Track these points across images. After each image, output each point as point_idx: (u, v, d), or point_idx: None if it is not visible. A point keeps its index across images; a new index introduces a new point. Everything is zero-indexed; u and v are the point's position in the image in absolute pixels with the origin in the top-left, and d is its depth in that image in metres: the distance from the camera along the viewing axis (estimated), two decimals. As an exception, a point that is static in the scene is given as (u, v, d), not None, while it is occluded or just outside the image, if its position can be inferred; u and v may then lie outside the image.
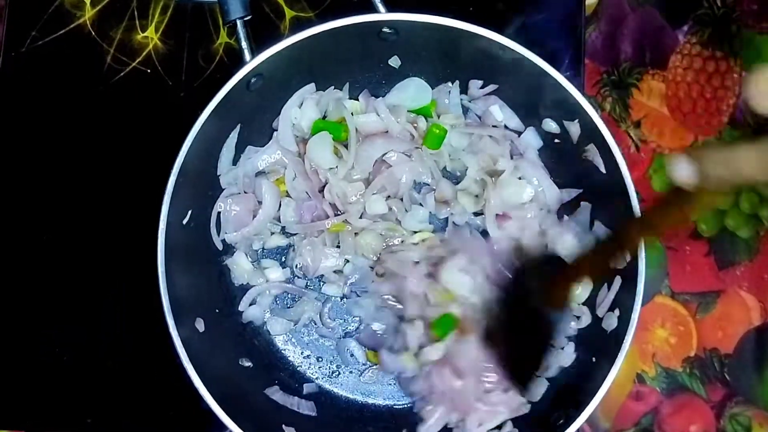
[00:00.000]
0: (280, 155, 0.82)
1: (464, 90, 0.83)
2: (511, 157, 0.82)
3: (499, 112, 0.82)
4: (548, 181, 0.81)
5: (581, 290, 0.79)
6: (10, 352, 0.84)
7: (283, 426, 0.78)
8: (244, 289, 0.82)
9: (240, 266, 0.82)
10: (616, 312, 0.75)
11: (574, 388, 0.76)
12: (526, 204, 0.81)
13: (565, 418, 0.73)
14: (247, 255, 0.82)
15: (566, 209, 0.82)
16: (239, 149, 0.80)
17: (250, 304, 0.82)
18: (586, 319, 0.79)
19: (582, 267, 0.68)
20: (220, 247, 0.81)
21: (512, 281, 0.76)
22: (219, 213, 0.80)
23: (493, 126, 0.82)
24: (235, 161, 0.81)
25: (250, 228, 0.80)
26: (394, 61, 0.81)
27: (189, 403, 0.71)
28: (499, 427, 0.78)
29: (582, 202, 0.80)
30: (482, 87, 0.81)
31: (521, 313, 0.72)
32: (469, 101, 0.83)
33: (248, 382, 0.80)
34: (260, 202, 0.81)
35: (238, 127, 0.79)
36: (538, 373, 0.76)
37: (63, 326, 0.84)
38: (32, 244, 0.85)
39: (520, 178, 0.81)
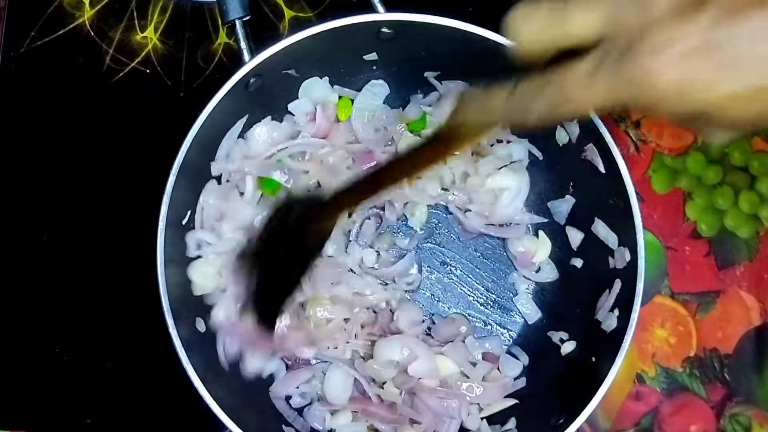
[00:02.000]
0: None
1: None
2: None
3: None
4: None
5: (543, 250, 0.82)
6: (10, 352, 0.84)
7: (283, 426, 0.78)
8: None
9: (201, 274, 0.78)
10: (616, 312, 0.75)
11: (574, 388, 0.76)
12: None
13: (565, 418, 0.73)
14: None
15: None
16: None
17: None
18: (549, 273, 0.81)
19: (339, 200, 0.65)
20: (193, 248, 0.78)
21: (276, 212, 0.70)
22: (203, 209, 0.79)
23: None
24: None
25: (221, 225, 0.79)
26: (372, 56, 0.81)
27: (189, 403, 0.71)
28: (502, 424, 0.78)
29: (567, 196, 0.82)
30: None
31: (280, 246, 0.68)
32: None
33: (249, 382, 0.80)
34: (242, 194, 0.81)
35: (246, 117, 0.79)
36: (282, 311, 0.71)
37: (63, 326, 0.84)
38: (32, 244, 0.85)
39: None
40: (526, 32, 0.47)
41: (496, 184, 0.82)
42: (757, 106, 0.43)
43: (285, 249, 0.68)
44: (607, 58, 0.44)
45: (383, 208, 0.83)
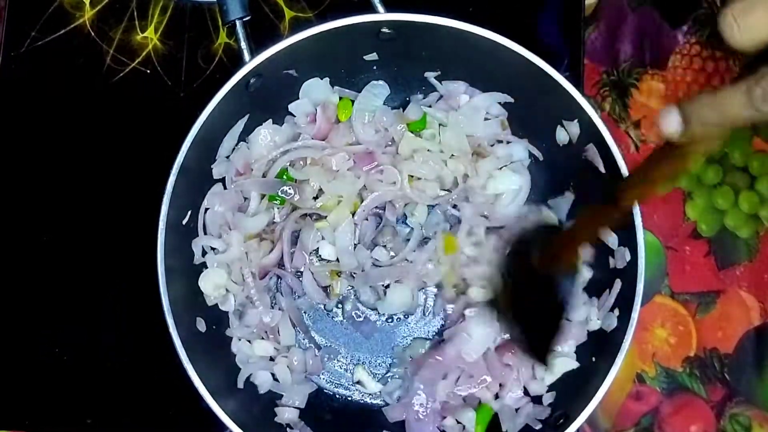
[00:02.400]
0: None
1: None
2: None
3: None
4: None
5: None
6: (10, 352, 0.84)
7: (285, 426, 0.78)
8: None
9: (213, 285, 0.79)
10: (616, 312, 0.75)
11: (574, 388, 0.76)
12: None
13: (565, 418, 0.73)
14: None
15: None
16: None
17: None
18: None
19: (581, 229, 0.66)
20: (198, 253, 0.78)
21: (515, 254, 0.73)
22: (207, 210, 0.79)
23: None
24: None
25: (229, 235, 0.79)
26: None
27: (189, 403, 0.71)
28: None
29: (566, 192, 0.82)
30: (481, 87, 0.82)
31: (530, 285, 0.70)
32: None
33: (249, 382, 0.80)
34: (246, 199, 0.81)
35: (246, 116, 0.79)
36: (555, 344, 0.73)
37: (63, 326, 0.84)
38: (32, 244, 0.85)
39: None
40: (753, 21, 0.44)
41: (496, 185, 0.82)
42: None
43: (534, 289, 0.69)
44: None
45: (384, 208, 0.83)
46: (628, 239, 0.74)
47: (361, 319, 0.82)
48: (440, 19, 0.73)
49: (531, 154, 0.83)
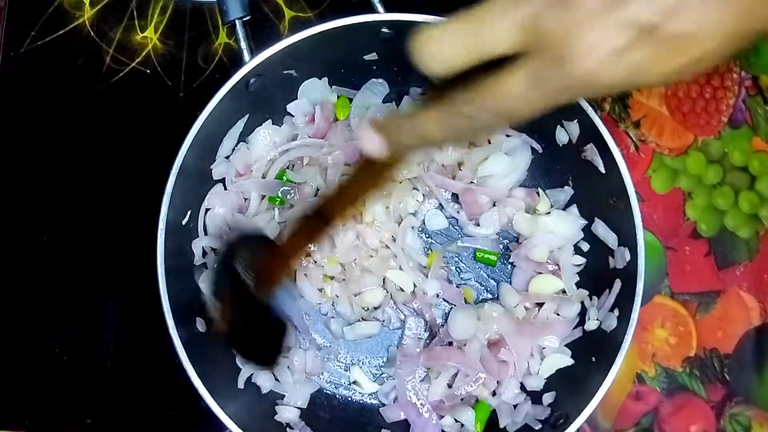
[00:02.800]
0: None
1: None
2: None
3: None
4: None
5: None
6: (10, 352, 0.84)
7: (285, 426, 0.78)
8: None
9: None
10: (616, 312, 0.75)
11: (574, 388, 0.76)
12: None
13: (565, 418, 0.73)
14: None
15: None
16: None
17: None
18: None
19: (291, 243, 0.66)
20: (198, 254, 0.78)
21: (225, 271, 0.70)
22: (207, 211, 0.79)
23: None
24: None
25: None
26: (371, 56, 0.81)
27: (189, 403, 0.71)
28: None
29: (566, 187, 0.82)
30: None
31: (246, 305, 0.69)
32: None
33: (249, 382, 0.80)
34: (246, 200, 0.81)
35: (246, 116, 0.78)
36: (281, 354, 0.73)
37: (63, 326, 0.84)
38: (32, 244, 0.85)
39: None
40: (440, 54, 0.44)
41: (488, 167, 0.82)
42: (699, 68, 0.42)
43: (255, 310, 0.68)
44: (542, 67, 0.42)
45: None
46: (628, 239, 0.74)
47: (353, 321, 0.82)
48: (440, 19, 0.73)
49: (532, 149, 0.83)
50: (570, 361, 0.78)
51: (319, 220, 0.62)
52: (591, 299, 0.79)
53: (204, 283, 0.77)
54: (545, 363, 0.79)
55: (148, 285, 0.70)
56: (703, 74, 0.89)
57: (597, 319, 0.77)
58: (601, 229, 0.78)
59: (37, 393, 0.83)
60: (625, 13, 0.40)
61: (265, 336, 0.71)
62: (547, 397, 0.78)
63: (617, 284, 0.75)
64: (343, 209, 0.62)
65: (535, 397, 0.79)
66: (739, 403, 0.85)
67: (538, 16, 0.41)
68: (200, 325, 0.76)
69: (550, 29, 0.41)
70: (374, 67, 0.82)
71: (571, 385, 0.77)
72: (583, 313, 0.79)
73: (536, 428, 0.76)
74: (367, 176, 0.56)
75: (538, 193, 0.82)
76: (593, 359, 0.76)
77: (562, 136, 0.79)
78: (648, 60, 0.41)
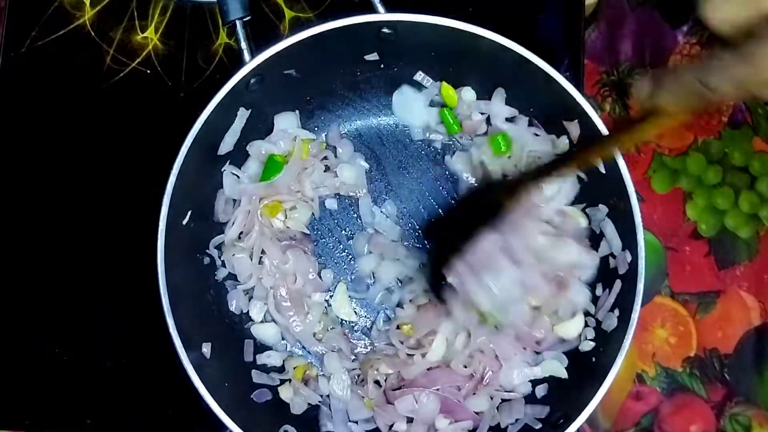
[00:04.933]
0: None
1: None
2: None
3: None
4: None
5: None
6: (11, 352, 0.84)
7: (284, 426, 0.78)
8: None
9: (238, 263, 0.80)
10: (616, 312, 0.75)
11: (574, 388, 0.76)
12: None
13: (565, 418, 0.73)
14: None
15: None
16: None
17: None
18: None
19: (545, 170, 0.70)
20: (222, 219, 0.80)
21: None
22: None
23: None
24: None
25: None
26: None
27: (189, 403, 0.71)
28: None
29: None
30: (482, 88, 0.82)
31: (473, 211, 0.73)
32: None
33: (249, 382, 0.80)
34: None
35: (249, 112, 0.78)
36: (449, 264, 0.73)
37: (63, 326, 0.84)
38: (32, 244, 0.85)
39: None
40: (722, 13, 0.47)
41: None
42: None
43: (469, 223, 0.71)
44: None
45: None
46: (628, 239, 0.74)
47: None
48: (440, 19, 0.73)
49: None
50: (564, 374, 0.78)
51: (580, 154, 0.69)
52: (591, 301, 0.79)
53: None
54: (540, 367, 0.79)
55: (148, 285, 0.70)
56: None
57: (591, 339, 0.77)
58: (609, 229, 0.77)
59: (36, 393, 0.83)
60: None
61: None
62: (540, 390, 0.79)
63: (617, 284, 0.75)
64: (607, 149, 0.68)
65: (534, 397, 0.79)
66: (739, 403, 0.85)
67: None
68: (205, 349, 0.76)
69: None
70: (375, 67, 0.82)
71: (571, 385, 0.77)
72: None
73: (536, 428, 0.76)
74: (638, 123, 0.57)
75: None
76: (593, 359, 0.76)
77: (561, 145, 0.79)
78: None
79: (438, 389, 0.78)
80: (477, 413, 0.78)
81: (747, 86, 0.47)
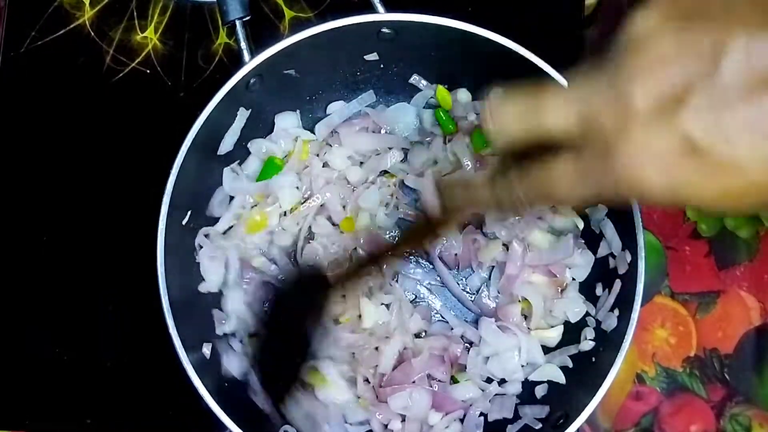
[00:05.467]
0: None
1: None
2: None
3: None
4: None
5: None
6: (10, 352, 0.84)
7: (284, 426, 0.78)
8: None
9: None
10: (616, 312, 0.75)
11: (574, 388, 0.76)
12: None
13: (565, 418, 0.73)
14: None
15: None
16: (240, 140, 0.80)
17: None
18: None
19: (342, 277, 0.72)
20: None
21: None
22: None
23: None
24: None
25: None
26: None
27: (189, 403, 0.71)
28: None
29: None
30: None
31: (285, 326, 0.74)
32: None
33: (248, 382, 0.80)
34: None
35: (249, 112, 0.78)
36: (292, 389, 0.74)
37: (63, 326, 0.84)
38: (32, 244, 0.85)
39: None
40: (502, 118, 0.46)
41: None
42: (749, 201, 0.40)
43: (288, 328, 0.73)
44: (589, 159, 0.42)
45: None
46: (628, 239, 0.74)
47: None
48: (440, 19, 0.73)
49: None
50: (562, 379, 0.78)
51: (370, 260, 0.72)
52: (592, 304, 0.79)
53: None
54: (536, 372, 0.79)
55: (148, 285, 0.70)
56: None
57: (592, 340, 0.77)
58: (608, 229, 0.77)
59: (37, 392, 0.83)
60: (678, 123, 0.39)
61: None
62: (540, 390, 0.79)
63: (617, 284, 0.75)
64: (397, 255, 0.72)
65: (533, 395, 0.79)
66: (740, 403, 0.85)
67: (594, 108, 0.41)
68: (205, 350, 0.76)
69: (603, 122, 0.41)
70: (374, 67, 0.82)
71: (570, 385, 0.77)
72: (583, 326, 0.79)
73: (536, 428, 0.76)
74: (423, 230, 0.64)
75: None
76: (593, 359, 0.76)
77: None
78: (692, 176, 0.39)
79: (430, 385, 0.78)
80: (464, 401, 0.78)
81: (540, 204, 0.48)
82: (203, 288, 0.78)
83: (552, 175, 0.44)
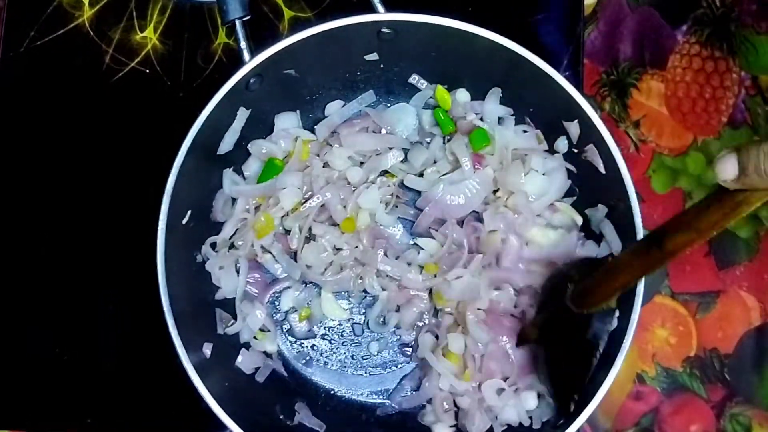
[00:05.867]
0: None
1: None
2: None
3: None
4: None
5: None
6: (11, 352, 0.84)
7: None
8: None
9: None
10: (616, 312, 0.75)
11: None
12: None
13: (565, 418, 0.73)
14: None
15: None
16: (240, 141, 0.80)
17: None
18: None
19: (621, 270, 0.64)
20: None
21: (551, 287, 0.74)
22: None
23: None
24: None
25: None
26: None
27: (189, 403, 0.71)
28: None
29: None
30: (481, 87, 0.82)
31: (562, 323, 0.70)
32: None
33: (248, 381, 0.80)
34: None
35: (249, 111, 0.78)
36: (579, 391, 0.71)
37: (63, 326, 0.84)
38: (31, 244, 0.85)
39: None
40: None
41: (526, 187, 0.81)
42: None
43: (569, 327, 0.69)
44: None
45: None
46: (628, 239, 0.73)
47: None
48: (440, 19, 0.73)
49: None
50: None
51: (656, 249, 0.58)
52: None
53: None
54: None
55: (148, 285, 0.70)
56: (703, 74, 0.89)
57: None
58: (608, 230, 0.77)
59: (37, 393, 0.83)
60: None
61: (571, 363, 0.71)
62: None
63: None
64: (686, 242, 0.55)
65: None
66: (740, 403, 0.85)
67: None
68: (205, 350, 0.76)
69: None
70: (374, 67, 0.82)
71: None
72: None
73: (536, 428, 0.76)
74: (717, 208, 0.51)
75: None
76: (593, 359, 0.76)
77: (561, 147, 0.79)
78: None
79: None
80: None
81: None
82: (219, 296, 0.79)
83: None
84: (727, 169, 0.46)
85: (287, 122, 0.82)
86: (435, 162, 0.83)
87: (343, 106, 0.84)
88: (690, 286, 0.86)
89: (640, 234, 0.72)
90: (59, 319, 0.84)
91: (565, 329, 0.70)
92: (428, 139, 0.84)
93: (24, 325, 0.84)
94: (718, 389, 0.85)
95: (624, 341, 0.71)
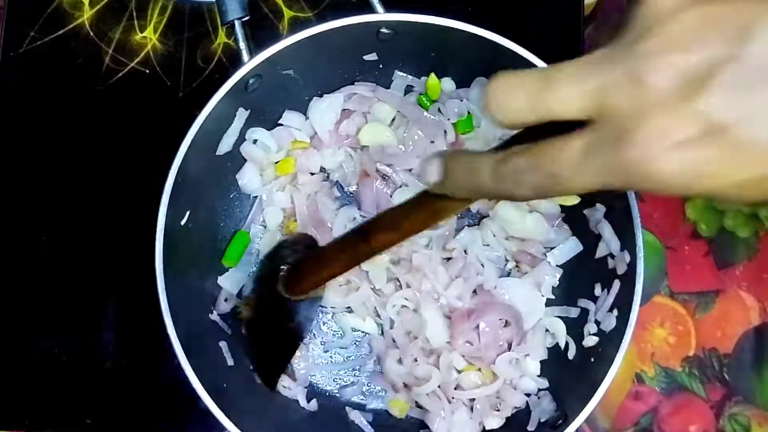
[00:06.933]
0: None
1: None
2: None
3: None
4: None
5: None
6: (10, 352, 0.84)
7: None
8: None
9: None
10: (615, 312, 0.75)
11: (573, 388, 0.76)
12: None
13: (565, 418, 0.73)
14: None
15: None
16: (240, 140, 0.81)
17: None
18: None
19: (330, 258, 0.65)
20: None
21: (265, 270, 0.74)
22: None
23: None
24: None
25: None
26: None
27: (189, 403, 0.71)
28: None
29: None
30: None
31: (271, 305, 0.71)
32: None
33: (248, 381, 0.80)
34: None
35: (248, 112, 0.78)
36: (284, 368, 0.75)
37: (62, 327, 0.84)
38: (31, 245, 0.85)
39: None
40: (507, 105, 0.42)
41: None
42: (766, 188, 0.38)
43: (277, 311, 0.70)
44: (600, 141, 0.39)
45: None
46: (627, 240, 0.74)
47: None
48: (440, 19, 0.73)
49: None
50: (539, 384, 0.79)
51: (363, 243, 0.59)
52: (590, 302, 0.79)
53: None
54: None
55: (147, 285, 0.70)
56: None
57: (594, 335, 0.77)
58: (606, 230, 0.77)
59: (36, 393, 0.83)
60: (699, 105, 0.36)
61: (276, 346, 0.72)
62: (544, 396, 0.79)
63: (616, 284, 0.75)
64: (388, 240, 0.57)
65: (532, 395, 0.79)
66: (739, 402, 0.85)
67: (610, 89, 0.39)
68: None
69: (618, 104, 0.39)
70: (374, 68, 0.82)
71: (570, 385, 0.77)
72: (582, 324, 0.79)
73: (534, 428, 0.76)
74: (418, 210, 0.53)
75: None
76: (592, 359, 0.76)
77: None
78: (710, 163, 0.37)
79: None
80: None
81: (546, 189, 0.42)
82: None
83: (561, 156, 0.41)
84: (431, 172, 0.47)
85: (287, 122, 0.82)
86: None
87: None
88: (689, 286, 0.86)
89: (639, 234, 0.72)
90: (59, 319, 0.84)
91: (274, 312, 0.71)
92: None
93: (24, 325, 0.84)
94: (717, 389, 0.85)
95: (623, 341, 0.71)
